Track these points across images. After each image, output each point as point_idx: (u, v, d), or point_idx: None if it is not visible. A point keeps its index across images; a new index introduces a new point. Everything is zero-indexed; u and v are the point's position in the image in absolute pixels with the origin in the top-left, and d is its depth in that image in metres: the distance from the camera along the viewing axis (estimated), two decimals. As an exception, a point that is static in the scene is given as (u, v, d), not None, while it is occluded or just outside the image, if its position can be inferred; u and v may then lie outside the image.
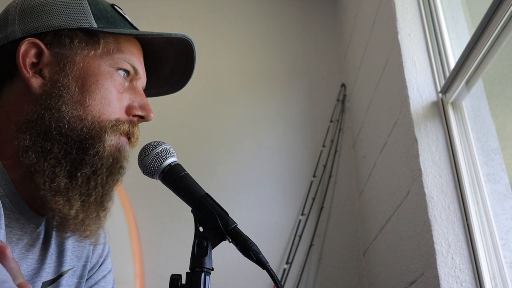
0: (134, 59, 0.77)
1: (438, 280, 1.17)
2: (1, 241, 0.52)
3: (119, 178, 0.74)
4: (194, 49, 0.82)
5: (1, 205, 0.60)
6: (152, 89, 0.88)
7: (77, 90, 0.70)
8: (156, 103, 0.93)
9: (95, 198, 0.70)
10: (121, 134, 0.74)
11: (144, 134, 0.80)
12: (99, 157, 0.70)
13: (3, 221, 0.59)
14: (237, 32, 2.62)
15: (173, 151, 0.74)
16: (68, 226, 0.70)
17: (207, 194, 0.71)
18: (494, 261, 1.16)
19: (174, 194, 0.72)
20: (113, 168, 0.72)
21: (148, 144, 0.74)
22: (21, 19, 0.72)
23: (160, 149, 0.72)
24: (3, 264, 0.49)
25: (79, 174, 0.69)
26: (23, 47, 0.70)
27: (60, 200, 0.67)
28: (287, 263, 2.01)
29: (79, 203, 0.69)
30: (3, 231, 0.59)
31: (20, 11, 0.73)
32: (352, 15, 2.26)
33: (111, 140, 0.72)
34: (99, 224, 0.73)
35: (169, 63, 0.86)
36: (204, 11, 2.65)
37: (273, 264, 1.94)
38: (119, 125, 0.73)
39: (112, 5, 0.80)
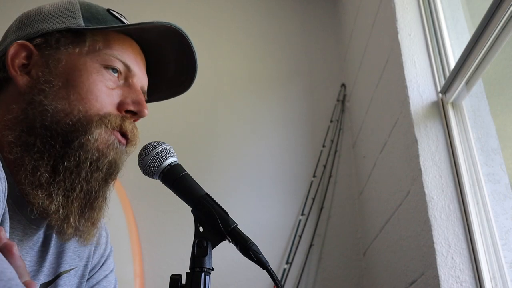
0: (126, 56, 0.76)
1: (438, 280, 1.17)
2: (8, 239, 0.52)
3: (109, 175, 0.72)
4: (190, 41, 0.80)
5: (7, 209, 0.60)
6: (160, 93, 0.88)
7: (60, 84, 0.70)
8: (156, 102, 0.93)
9: (78, 194, 0.69)
10: (113, 129, 0.72)
11: (144, 134, 0.80)
12: (83, 150, 0.69)
13: (8, 225, 0.59)
14: (237, 32, 2.62)
15: (173, 151, 0.74)
16: (50, 221, 0.69)
17: (207, 194, 0.71)
18: (494, 261, 1.16)
19: (174, 194, 0.72)
20: (100, 163, 0.70)
21: (148, 144, 0.74)
22: (17, 29, 0.76)
23: (160, 149, 0.72)
24: (10, 262, 0.49)
25: (61, 167, 0.68)
26: (12, 49, 0.72)
27: (39, 194, 0.66)
28: (287, 263, 2.01)
29: (61, 197, 0.68)
30: (7, 234, 0.59)
31: (18, 23, 0.77)
32: (352, 15, 2.26)
33: (98, 133, 0.70)
34: (90, 222, 0.72)
35: (171, 62, 0.86)
36: (205, 11, 2.65)
37: (273, 264, 1.94)
38: (107, 117, 0.71)
39: (108, 10, 0.80)
